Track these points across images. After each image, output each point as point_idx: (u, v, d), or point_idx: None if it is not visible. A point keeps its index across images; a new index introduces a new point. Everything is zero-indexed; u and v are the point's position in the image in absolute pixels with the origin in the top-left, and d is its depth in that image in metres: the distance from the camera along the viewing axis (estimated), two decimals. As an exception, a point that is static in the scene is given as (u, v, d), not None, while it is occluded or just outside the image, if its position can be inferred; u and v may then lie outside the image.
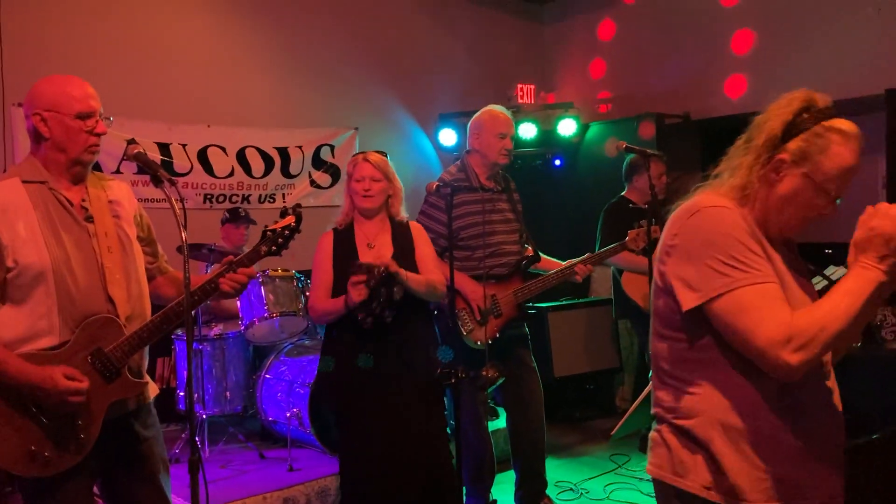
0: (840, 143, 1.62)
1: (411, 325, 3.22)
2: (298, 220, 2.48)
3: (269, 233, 2.47)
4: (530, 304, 4.03)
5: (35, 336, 2.20)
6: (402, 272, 3.08)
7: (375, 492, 3.14)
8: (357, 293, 2.95)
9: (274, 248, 2.47)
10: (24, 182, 2.25)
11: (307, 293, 4.65)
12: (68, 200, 2.29)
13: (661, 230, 4.00)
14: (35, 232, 2.20)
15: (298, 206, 2.54)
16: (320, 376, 3.35)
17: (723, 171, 1.75)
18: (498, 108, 3.92)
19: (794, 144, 1.64)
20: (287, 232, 2.47)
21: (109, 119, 2.37)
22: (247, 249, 2.53)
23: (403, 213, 3.35)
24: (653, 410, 1.82)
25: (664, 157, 4.71)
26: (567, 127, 6.57)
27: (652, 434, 1.81)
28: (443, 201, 3.62)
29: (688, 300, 1.63)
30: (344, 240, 3.24)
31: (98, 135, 2.31)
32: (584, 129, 6.74)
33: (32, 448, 2.16)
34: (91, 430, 2.24)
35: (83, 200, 2.33)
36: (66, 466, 2.21)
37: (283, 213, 2.50)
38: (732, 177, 1.71)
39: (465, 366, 3.47)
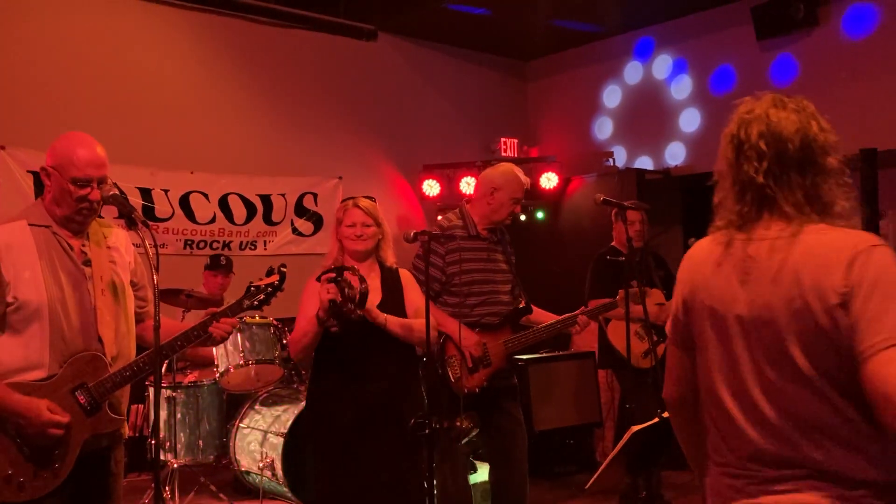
0: None
1: (397, 372, 3.20)
2: (282, 279, 2.65)
3: (252, 288, 2.64)
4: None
5: (27, 368, 2.32)
6: (382, 317, 3.10)
7: None
8: (325, 290, 2.96)
9: (256, 302, 2.64)
10: (31, 225, 2.42)
11: (284, 341, 4.61)
12: (69, 244, 2.45)
13: (640, 278, 3.99)
14: (36, 271, 2.35)
15: (283, 266, 2.70)
16: (302, 421, 3.31)
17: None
18: (518, 171, 3.90)
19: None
20: (270, 289, 2.64)
21: (113, 185, 2.50)
22: (225, 297, 2.63)
23: (393, 258, 3.36)
24: None
25: (641, 206, 4.73)
26: (549, 180, 6.64)
27: None
28: (441, 247, 3.69)
29: None
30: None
31: (90, 201, 2.43)
32: (566, 182, 6.80)
33: (10, 472, 2.26)
34: (67, 460, 2.34)
35: (83, 245, 2.49)
36: (39, 494, 2.30)
37: (270, 272, 2.67)
38: (839, 209, 1.67)
39: (440, 416, 3.44)
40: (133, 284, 2.61)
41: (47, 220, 2.44)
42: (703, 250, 1.76)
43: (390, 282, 3.27)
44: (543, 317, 3.93)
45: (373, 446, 3.11)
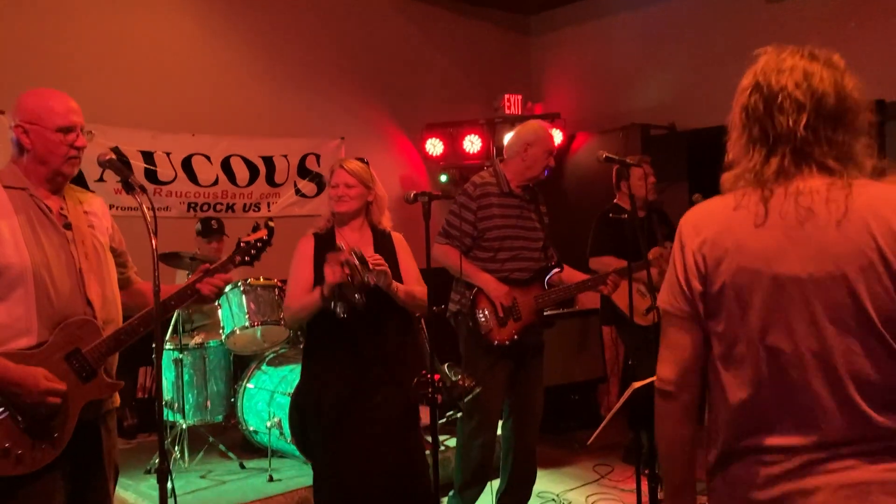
0: None
1: (394, 336, 3.20)
2: (270, 233, 2.61)
3: (242, 244, 2.59)
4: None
5: (14, 336, 2.23)
6: (395, 284, 3.08)
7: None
8: (332, 273, 2.93)
9: (247, 258, 2.58)
10: (6, 187, 2.32)
11: (289, 302, 4.63)
12: (48, 207, 2.36)
13: (649, 234, 3.96)
14: (16, 234, 2.26)
15: (270, 220, 2.66)
16: (299, 389, 3.33)
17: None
18: (547, 126, 4.01)
19: None
20: (259, 244, 2.59)
21: (91, 133, 2.44)
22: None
23: (387, 222, 3.33)
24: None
25: (646, 159, 4.71)
26: (554, 137, 6.58)
27: None
28: (474, 203, 3.76)
29: None
30: (324, 245, 3.22)
31: (77, 148, 2.37)
32: (570, 139, 6.75)
33: (7, 445, 2.18)
34: (65, 429, 2.27)
35: (62, 209, 2.40)
36: (38, 466, 2.23)
37: (256, 228, 2.63)
38: (869, 168, 1.55)
39: (443, 375, 3.47)
40: (112, 250, 2.55)
41: (23, 182, 2.34)
42: (723, 210, 1.58)
43: (383, 245, 3.25)
44: (574, 276, 3.98)
45: (371, 409, 3.11)
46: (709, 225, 1.58)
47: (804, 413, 1.48)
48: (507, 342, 3.73)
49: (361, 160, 3.28)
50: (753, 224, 1.52)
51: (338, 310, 2.97)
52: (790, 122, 1.52)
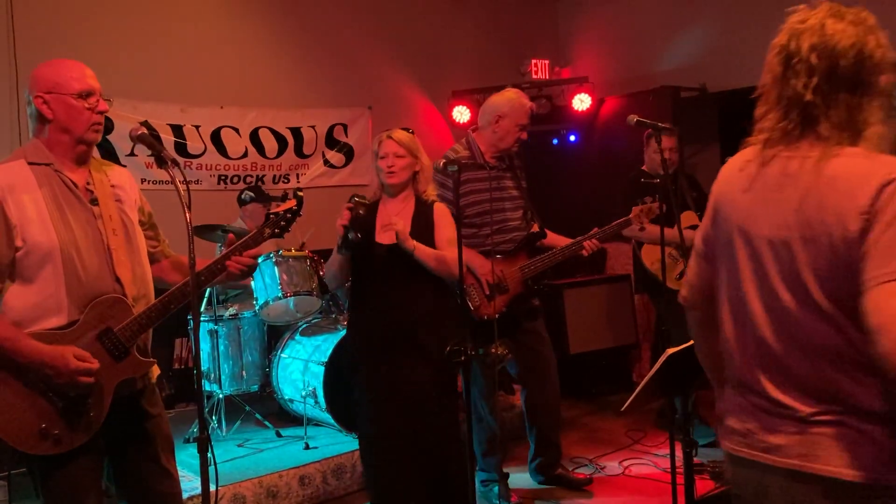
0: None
1: (425, 304, 3.24)
2: (299, 203, 2.56)
3: (271, 216, 2.55)
4: (542, 282, 4.06)
5: (43, 315, 2.23)
6: (411, 243, 3.13)
7: (393, 468, 3.20)
8: (340, 219, 3.12)
9: (277, 230, 2.54)
10: (30, 164, 2.29)
11: (321, 273, 4.67)
12: (73, 182, 2.32)
13: (675, 201, 3.91)
14: (42, 212, 2.23)
15: (299, 189, 2.63)
16: (339, 350, 3.44)
17: (842, 127, 1.53)
18: (523, 97, 3.90)
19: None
20: (289, 215, 2.55)
21: (110, 100, 2.40)
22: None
23: (431, 192, 3.35)
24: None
25: (676, 130, 4.66)
26: (582, 102, 6.50)
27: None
28: (450, 180, 3.66)
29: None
30: (366, 217, 3.27)
31: (100, 113, 2.34)
32: (599, 103, 6.66)
33: (43, 426, 2.19)
34: (100, 408, 2.28)
35: (88, 183, 2.37)
36: (76, 444, 2.25)
37: (284, 197, 2.59)
38: (869, 133, 1.53)
39: (474, 343, 3.49)
40: (141, 224, 2.51)
41: (48, 158, 2.30)
42: (734, 166, 1.71)
43: (422, 217, 3.27)
44: (558, 240, 3.96)
45: (403, 374, 3.18)
46: (723, 178, 1.74)
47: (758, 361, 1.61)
48: (496, 316, 3.70)
49: (407, 130, 3.29)
50: (747, 183, 1.64)
51: (348, 240, 3.14)
52: (800, 87, 1.54)
